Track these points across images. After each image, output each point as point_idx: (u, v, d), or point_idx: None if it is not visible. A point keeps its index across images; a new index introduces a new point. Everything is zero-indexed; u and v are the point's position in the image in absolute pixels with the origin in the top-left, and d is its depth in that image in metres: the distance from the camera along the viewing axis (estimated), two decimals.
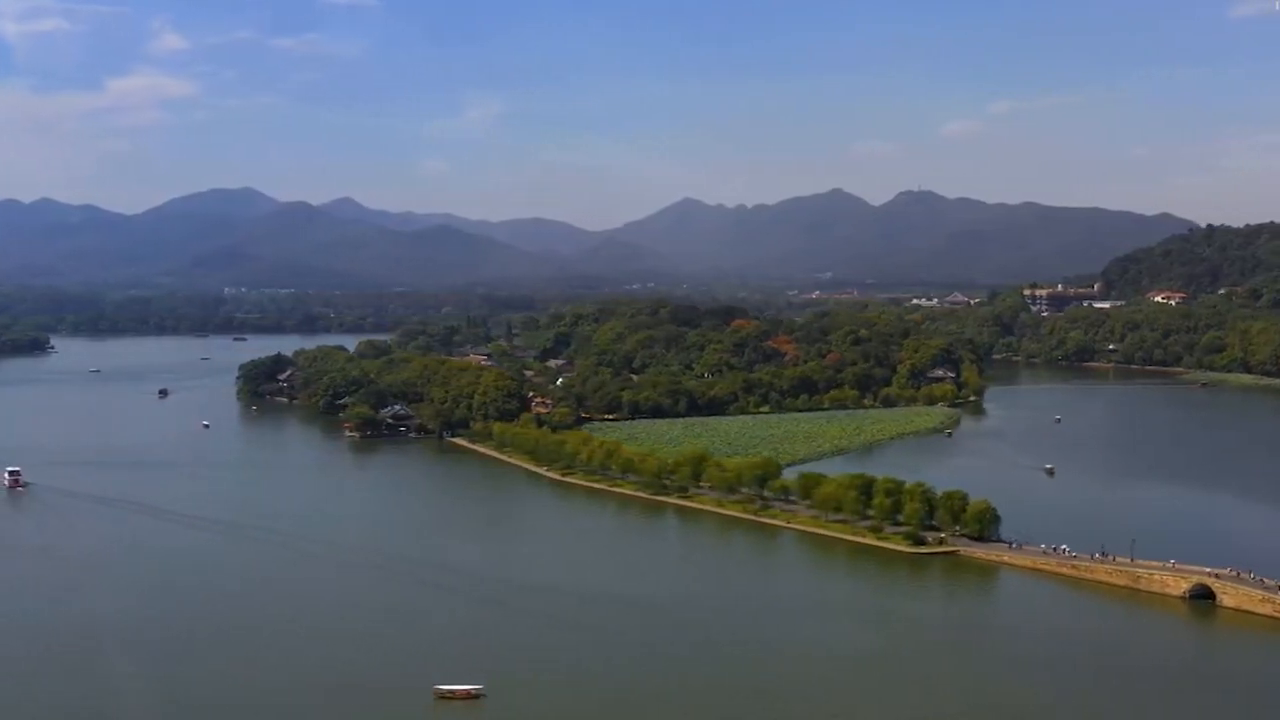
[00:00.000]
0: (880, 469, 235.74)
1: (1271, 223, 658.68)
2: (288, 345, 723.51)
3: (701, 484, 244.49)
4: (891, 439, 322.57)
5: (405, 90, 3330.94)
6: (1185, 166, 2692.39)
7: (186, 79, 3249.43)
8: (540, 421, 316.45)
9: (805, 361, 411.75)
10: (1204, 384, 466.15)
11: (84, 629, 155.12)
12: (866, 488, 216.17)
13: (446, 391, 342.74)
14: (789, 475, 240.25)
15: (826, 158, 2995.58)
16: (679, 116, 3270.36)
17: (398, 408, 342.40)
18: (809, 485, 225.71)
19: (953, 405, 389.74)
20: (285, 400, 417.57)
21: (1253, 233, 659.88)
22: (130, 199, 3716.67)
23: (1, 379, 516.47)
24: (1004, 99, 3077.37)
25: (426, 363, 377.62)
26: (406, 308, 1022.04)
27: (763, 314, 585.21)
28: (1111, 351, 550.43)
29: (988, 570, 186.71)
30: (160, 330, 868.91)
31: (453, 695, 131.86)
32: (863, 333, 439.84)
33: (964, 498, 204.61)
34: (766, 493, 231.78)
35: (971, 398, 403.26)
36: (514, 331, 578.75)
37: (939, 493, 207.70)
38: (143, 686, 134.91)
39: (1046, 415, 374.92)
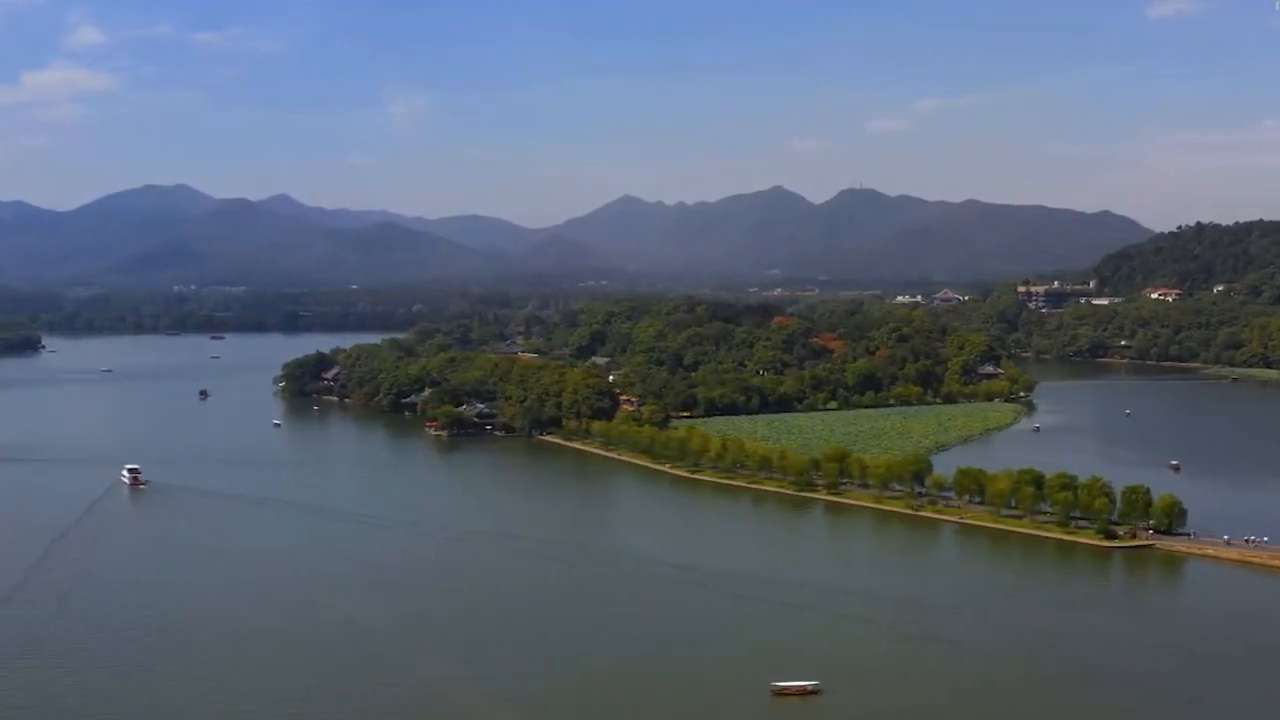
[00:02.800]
0: (996, 464, 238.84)
1: (1261, 220, 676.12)
2: (270, 344, 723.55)
3: (842, 480, 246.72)
4: (980, 434, 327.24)
5: (328, 85, 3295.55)
6: (1108, 164, 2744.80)
7: (105, 73, 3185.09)
8: (639, 420, 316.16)
9: (854, 358, 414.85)
10: (1234, 379, 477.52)
11: (362, 633, 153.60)
12: (1037, 482, 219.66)
13: (526, 390, 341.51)
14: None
15: (762, 156, 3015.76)
16: (612, 114, 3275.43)
17: (481, 406, 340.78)
18: (967, 480, 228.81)
19: (1007, 401, 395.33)
20: (335, 399, 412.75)
21: (1242, 230, 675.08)
22: (59, 195, 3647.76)
23: (19, 380, 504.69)
24: (929, 97, 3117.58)
25: (497, 361, 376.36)
26: (375, 305, 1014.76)
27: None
28: (1124, 347, 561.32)
29: (1196, 563, 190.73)
30: (137, 329, 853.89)
31: (788, 691, 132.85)
32: (904, 330, 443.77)
33: (1147, 492, 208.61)
34: (927, 489, 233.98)
35: (1021, 394, 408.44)
36: (533, 329, 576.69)
37: (1118, 487, 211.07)
38: (472, 689, 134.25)
39: (1106, 410, 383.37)
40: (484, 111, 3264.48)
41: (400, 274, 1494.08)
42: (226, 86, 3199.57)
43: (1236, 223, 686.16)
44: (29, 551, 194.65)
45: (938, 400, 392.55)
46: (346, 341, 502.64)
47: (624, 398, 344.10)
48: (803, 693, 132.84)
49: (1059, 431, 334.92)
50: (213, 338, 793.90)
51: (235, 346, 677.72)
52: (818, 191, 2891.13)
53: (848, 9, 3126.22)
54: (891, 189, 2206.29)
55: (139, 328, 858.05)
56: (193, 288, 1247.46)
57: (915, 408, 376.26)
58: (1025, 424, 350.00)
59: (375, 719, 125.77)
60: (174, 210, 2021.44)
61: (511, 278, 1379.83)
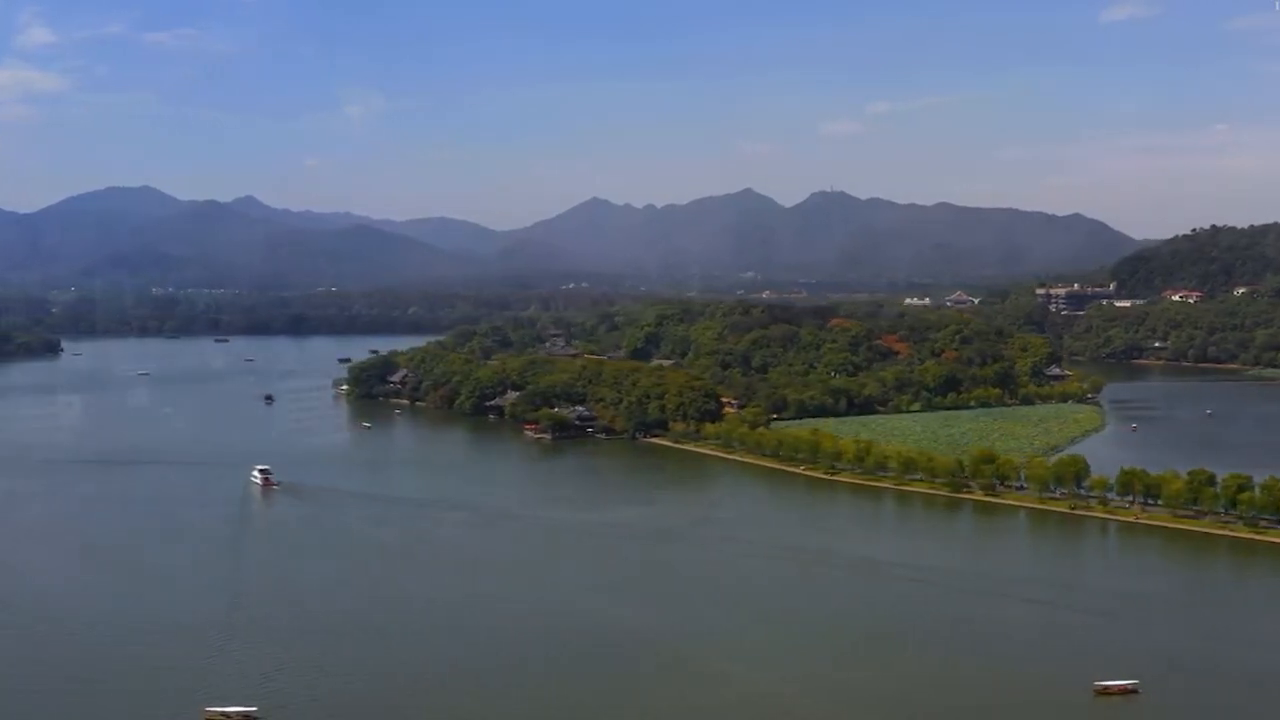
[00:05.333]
0: (1116, 464, 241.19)
1: (1277, 223, 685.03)
2: (284, 347, 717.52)
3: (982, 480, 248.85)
4: (1084, 435, 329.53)
5: (283, 87, 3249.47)
6: (1064, 167, 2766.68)
7: (57, 74, 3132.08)
8: (750, 423, 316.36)
9: (921, 361, 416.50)
10: None
11: (651, 638, 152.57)
12: (1209, 482, 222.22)
13: (622, 392, 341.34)
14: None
15: (727, 158, 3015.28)
16: (575, 116, 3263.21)
17: (580, 409, 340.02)
18: (1134, 481, 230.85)
19: (1080, 402, 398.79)
20: (406, 402, 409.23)
21: (1259, 232, 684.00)
22: (19, 197, 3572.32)
23: (67, 384, 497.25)
24: (882, 100, 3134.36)
25: (585, 364, 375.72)
26: (372, 308, 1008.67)
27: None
28: (1158, 349, 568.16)
29: None
30: (142, 332, 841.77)
31: (1110, 690, 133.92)
32: (965, 332, 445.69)
33: None
34: (1089, 489, 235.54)
35: (1089, 395, 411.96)
36: (572, 331, 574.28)
37: None
38: (798, 693, 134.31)
39: (1183, 410, 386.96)
40: (443, 114, 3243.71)
41: (377, 277, 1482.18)
42: (180, 88, 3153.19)
43: (1251, 225, 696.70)
44: (221, 559, 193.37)
45: (1015, 402, 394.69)
46: (357, 344, 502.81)
47: (725, 400, 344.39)
48: (1124, 692, 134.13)
49: (1154, 431, 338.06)
50: (216, 340, 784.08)
51: (249, 349, 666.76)
52: (787, 194, 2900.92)
53: (798, 12, 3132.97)
54: (859, 192, 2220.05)
55: (144, 331, 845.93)
56: (170, 290, 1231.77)
57: (997, 409, 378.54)
58: (1118, 424, 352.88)
59: None
60: (140, 212, 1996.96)
61: (492, 280, 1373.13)
